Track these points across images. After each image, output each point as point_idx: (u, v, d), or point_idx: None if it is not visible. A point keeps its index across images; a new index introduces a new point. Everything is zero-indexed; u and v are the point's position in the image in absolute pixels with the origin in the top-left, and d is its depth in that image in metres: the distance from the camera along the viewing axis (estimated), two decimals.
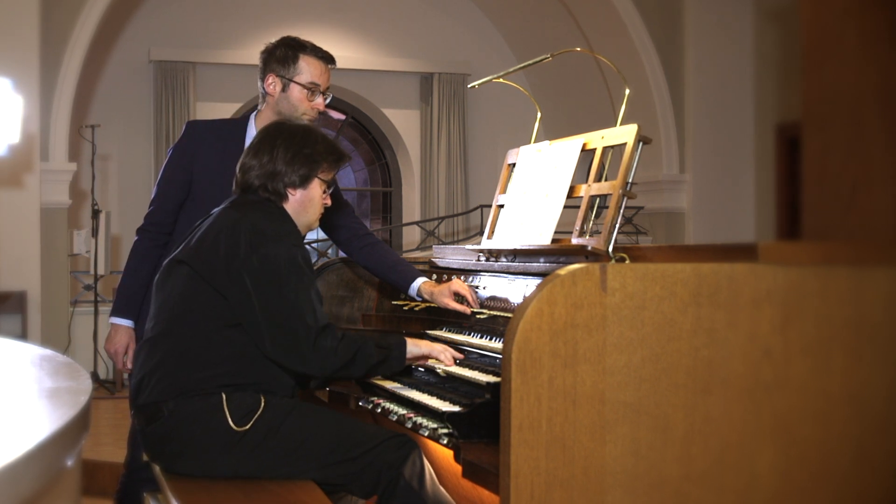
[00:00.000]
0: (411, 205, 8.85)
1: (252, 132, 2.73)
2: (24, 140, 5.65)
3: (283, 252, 2.14)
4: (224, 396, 2.12)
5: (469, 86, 3.32)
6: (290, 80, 2.67)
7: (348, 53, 8.18)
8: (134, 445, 2.69)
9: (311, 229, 2.37)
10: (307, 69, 2.68)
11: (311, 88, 2.68)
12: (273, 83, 2.69)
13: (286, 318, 2.11)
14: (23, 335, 5.87)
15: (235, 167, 2.32)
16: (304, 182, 2.26)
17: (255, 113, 2.77)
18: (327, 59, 2.72)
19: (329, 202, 2.34)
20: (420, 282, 2.70)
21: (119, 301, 2.72)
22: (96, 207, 6.48)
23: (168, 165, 2.73)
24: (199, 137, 2.72)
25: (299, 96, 2.67)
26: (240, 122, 2.76)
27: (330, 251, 7.29)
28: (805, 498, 1.68)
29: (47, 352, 1.80)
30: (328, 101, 2.74)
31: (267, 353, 2.14)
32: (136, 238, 2.74)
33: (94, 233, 6.46)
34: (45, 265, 6.16)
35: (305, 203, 2.28)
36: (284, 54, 2.68)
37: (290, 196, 2.26)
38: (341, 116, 8.89)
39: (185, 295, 2.17)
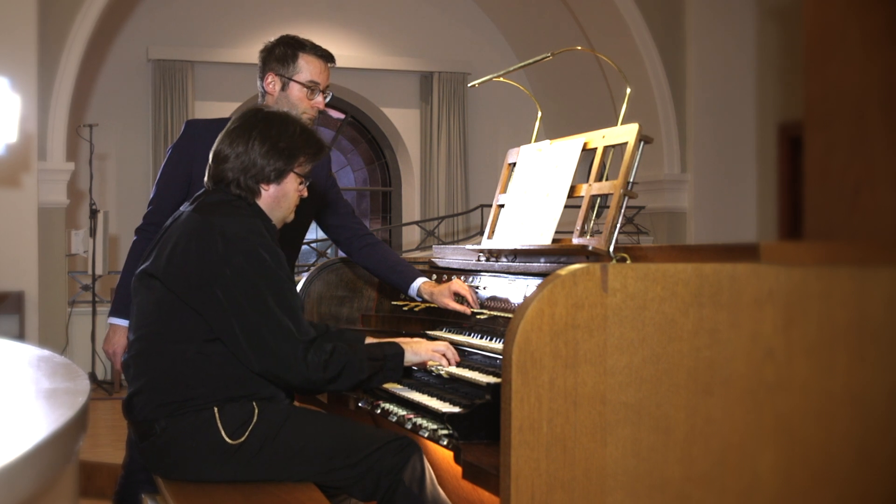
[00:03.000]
0: (411, 204, 8.84)
1: None
2: (22, 139, 5.64)
3: (256, 262, 2.04)
4: (216, 410, 2.08)
5: (469, 85, 3.31)
6: (290, 79, 2.66)
7: (348, 52, 8.17)
8: (132, 447, 2.68)
9: (286, 221, 2.26)
10: (307, 68, 2.67)
11: (311, 87, 2.67)
12: (272, 82, 2.68)
13: (268, 333, 2.03)
14: (20, 336, 5.86)
15: None
16: (279, 177, 2.16)
17: None
18: (327, 57, 2.71)
19: (305, 194, 2.25)
20: (420, 282, 2.69)
21: (117, 301, 2.70)
22: (94, 207, 6.47)
23: (167, 165, 2.72)
24: (199, 137, 2.71)
25: (299, 95, 2.67)
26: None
27: (329, 251, 7.28)
28: (807, 499, 1.67)
29: (45, 352, 1.79)
30: (328, 99, 2.73)
31: (252, 368, 2.07)
32: (134, 238, 2.73)
33: (92, 233, 6.44)
34: (42, 265, 6.15)
35: (279, 198, 2.19)
36: (283, 53, 2.67)
37: (262, 192, 2.17)
38: (341, 116, 8.88)
39: (161, 312, 2.10)
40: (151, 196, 2.74)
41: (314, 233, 7.25)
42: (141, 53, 7.90)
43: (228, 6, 8.17)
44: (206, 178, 2.23)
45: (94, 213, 6.43)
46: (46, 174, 6.25)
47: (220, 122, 2.85)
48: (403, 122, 8.71)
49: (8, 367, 1.66)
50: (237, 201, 2.15)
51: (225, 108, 7.95)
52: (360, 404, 2.37)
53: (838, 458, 1.68)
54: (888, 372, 1.70)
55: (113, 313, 2.72)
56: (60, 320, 6.44)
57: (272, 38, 2.73)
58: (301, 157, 2.19)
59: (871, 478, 1.69)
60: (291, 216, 2.26)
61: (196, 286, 2.06)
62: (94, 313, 6.44)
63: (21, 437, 1.00)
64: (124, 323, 2.69)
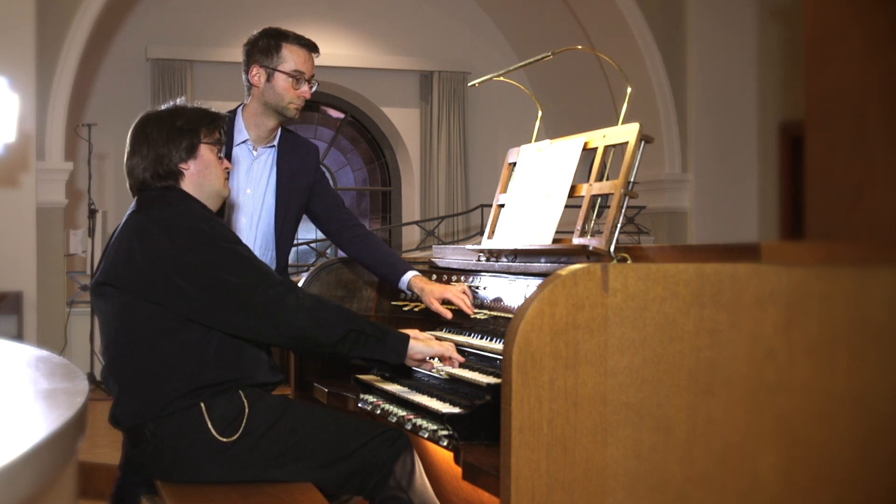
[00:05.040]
0: (411, 204, 8.83)
1: (240, 126, 2.76)
2: (20, 139, 5.63)
3: (200, 236, 2.07)
4: (203, 406, 2.07)
5: (469, 84, 3.31)
6: (275, 70, 2.69)
7: (347, 51, 8.16)
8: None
9: (222, 197, 2.28)
10: (290, 57, 2.69)
11: (296, 76, 2.69)
12: (257, 74, 2.71)
13: (243, 296, 2.04)
14: (19, 336, 5.85)
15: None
16: (191, 151, 2.20)
17: (241, 107, 2.80)
18: (310, 46, 2.74)
19: (230, 166, 2.30)
20: (411, 275, 2.68)
21: None
22: (93, 207, 6.46)
23: None
24: None
25: (284, 85, 2.69)
26: (227, 119, 2.75)
27: (329, 251, 7.27)
28: (808, 500, 1.67)
29: (43, 353, 1.78)
30: (314, 88, 2.75)
31: (239, 334, 2.09)
32: None
33: (91, 233, 6.43)
34: (41, 265, 6.14)
35: (203, 171, 2.21)
36: (267, 44, 2.70)
37: (184, 172, 2.20)
38: (340, 115, 8.87)
39: (122, 315, 2.11)
40: None
41: (314, 233, 7.24)
42: (140, 52, 7.89)
43: (228, 5, 8.17)
44: (131, 192, 2.26)
45: (92, 213, 6.42)
46: (45, 174, 6.24)
47: None
48: (403, 121, 8.70)
49: (6, 367, 1.66)
50: (168, 192, 2.19)
51: (224, 108, 7.89)
52: (360, 405, 2.36)
53: (839, 459, 1.67)
54: (889, 372, 1.69)
55: None
56: (59, 320, 6.44)
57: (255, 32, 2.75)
58: (202, 129, 2.23)
59: (872, 478, 1.69)
60: (226, 191, 2.28)
61: (152, 280, 2.07)
62: (92, 313, 6.43)
63: (20, 437, 0.99)
64: None
